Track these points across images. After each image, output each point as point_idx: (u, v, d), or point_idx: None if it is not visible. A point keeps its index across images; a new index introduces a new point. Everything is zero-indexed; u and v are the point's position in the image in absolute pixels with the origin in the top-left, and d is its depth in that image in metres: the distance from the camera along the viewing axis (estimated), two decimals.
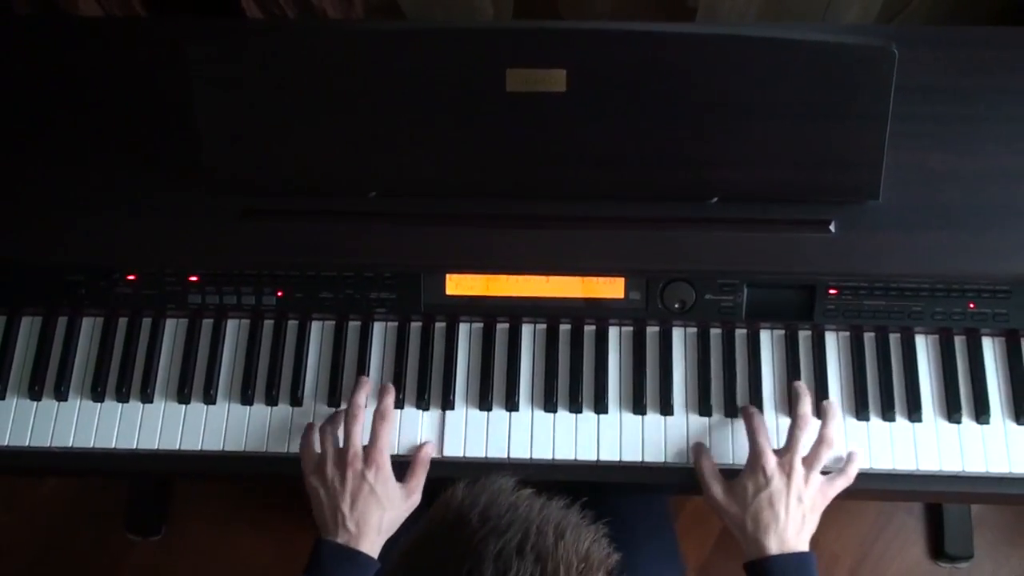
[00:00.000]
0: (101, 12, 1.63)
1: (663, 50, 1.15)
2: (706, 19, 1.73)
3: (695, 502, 1.96)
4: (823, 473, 1.18)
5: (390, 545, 1.18)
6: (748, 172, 1.21)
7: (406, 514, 1.20)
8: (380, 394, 1.25)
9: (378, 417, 1.22)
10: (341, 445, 1.20)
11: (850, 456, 1.21)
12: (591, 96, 1.17)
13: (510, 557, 0.78)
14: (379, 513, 1.16)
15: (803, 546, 1.13)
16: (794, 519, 1.13)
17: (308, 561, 1.14)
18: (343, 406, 1.27)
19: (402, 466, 1.23)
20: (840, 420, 1.22)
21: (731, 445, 1.24)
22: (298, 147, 1.24)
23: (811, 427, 1.19)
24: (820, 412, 1.23)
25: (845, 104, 1.17)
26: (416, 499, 1.21)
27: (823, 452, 1.17)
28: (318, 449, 1.21)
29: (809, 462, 1.16)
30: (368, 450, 1.19)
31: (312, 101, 1.21)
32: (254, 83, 1.20)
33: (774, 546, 1.12)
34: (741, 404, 1.26)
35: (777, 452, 1.17)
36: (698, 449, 1.23)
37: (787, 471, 1.15)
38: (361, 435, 1.21)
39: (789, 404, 1.25)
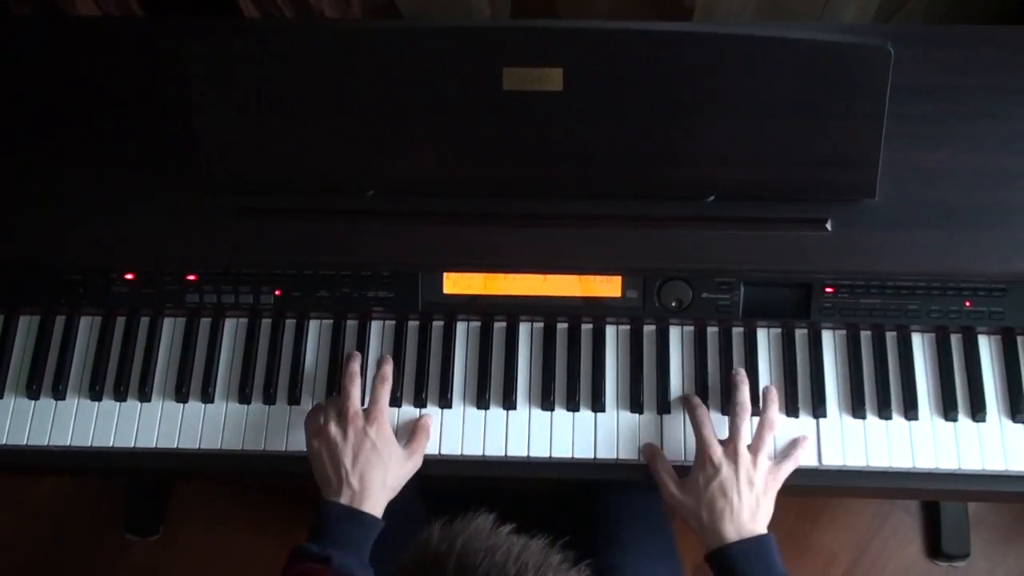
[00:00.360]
0: (98, 12, 1.64)
1: (659, 49, 1.15)
2: (703, 19, 1.73)
3: None
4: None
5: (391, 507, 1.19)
6: (744, 171, 1.22)
7: (409, 474, 1.21)
8: (379, 362, 1.27)
9: (378, 380, 1.24)
10: (340, 407, 1.21)
11: (796, 440, 1.23)
12: (588, 95, 1.17)
13: None
14: (381, 469, 1.17)
15: (760, 529, 1.14)
16: (748, 504, 1.14)
17: (312, 522, 1.14)
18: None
19: None
20: (778, 404, 1.23)
21: None
22: (295, 146, 1.24)
23: (749, 414, 1.21)
24: (761, 398, 1.24)
25: (841, 103, 1.17)
26: (418, 461, 1.22)
27: (766, 435, 1.19)
28: (319, 416, 1.22)
29: (755, 447, 1.18)
30: (368, 409, 1.21)
31: (309, 100, 1.21)
32: (251, 82, 1.20)
33: (731, 533, 1.12)
34: (686, 395, 1.27)
35: (722, 442, 1.19)
36: (650, 450, 1.23)
37: (733, 458, 1.16)
38: (359, 396, 1.23)
39: (786, 402, 1.26)
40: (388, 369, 1.26)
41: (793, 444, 1.23)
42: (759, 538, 1.13)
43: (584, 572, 0.83)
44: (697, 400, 1.24)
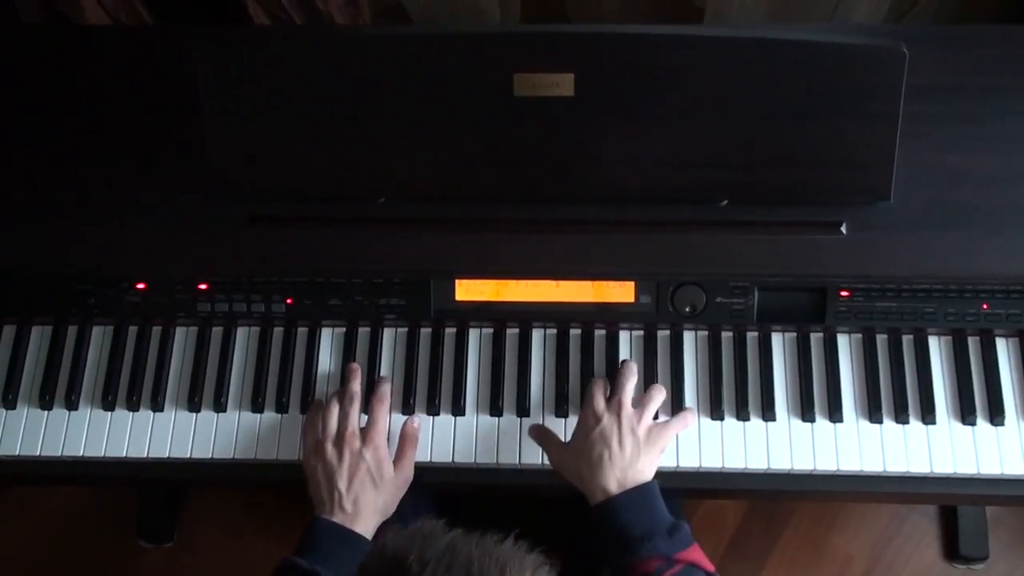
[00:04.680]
0: (108, 20, 1.63)
1: (672, 53, 1.15)
2: (714, 20, 1.72)
3: (707, 505, 1.95)
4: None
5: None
6: (758, 174, 1.21)
7: (402, 492, 1.21)
8: (376, 382, 1.27)
9: (376, 400, 1.24)
10: (339, 427, 1.21)
11: (683, 411, 1.23)
12: (599, 100, 1.17)
13: None
14: (375, 493, 1.17)
15: (643, 477, 1.14)
16: (629, 451, 1.14)
17: (302, 537, 1.15)
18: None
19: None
20: (664, 391, 1.23)
21: (743, 448, 1.24)
22: (305, 153, 1.24)
23: (635, 377, 1.22)
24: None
25: (856, 104, 1.16)
26: (408, 475, 1.22)
27: (655, 394, 1.21)
28: (319, 431, 1.22)
29: (640, 402, 1.19)
30: (365, 431, 1.21)
31: (319, 107, 1.21)
32: (260, 89, 1.20)
33: (613, 484, 1.12)
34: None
35: (607, 399, 1.20)
36: (536, 428, 1.24)
37: (616, 409, 1.17)
38: (358, 417, 1.22)
39: (801, 408, 1.25)
40: (386, 388, 1.26)
41: (679, 414, 1.23)
42: (641, 487, 1.13)
43: (540, 559, 0.84)
44: (601, 378, 1.25)
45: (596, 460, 1.13)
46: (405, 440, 1.24)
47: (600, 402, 1.18)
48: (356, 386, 1.25)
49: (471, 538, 0.83)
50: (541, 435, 1.23)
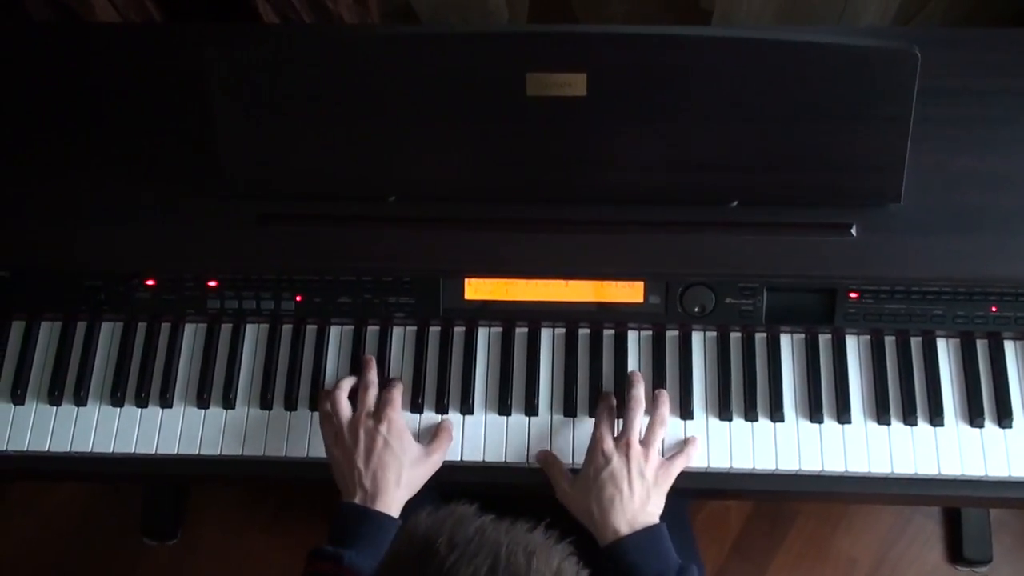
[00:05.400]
0: (118, 18, 1.64)
1: (684, 54, 1.15)
2: (722, 22, 1.72)
3: (712, 506, 1.95)
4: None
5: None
6: (769, 175, 1.21)
7: (427, 474, 1.22)
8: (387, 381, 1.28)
9: (388, 384, 1.25)
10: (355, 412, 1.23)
11: (689, 439, 1.24)
12: (611, 100, 1.17)
13: None
14: (395, 468, 1.18)
15: (652, 520, 1.15)
16: (639, 494, 1.15)
17: (330, 525, 1.16)
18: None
19: None
20: (668, 402, 1.24)
21: (751, 449, 1.24)
22: (316, 152, 1.24)
23: (643, 410, 1.22)
24: (653, 399, 1.24)
25: (867, 107, 1.16)
26: (437, 461, 1.23)
27: (657, 430, 1.21)
28: (333, 422, 1.23)
29: (646, 441, 1.19)
30: (378, 409, 1.22)
31: (330, 106, 1.21)
32: (271, 88, 1.20)
33: (623, 525, 1.13)
34: (605, 390, 1.27)
35: (615, 437, 1.20)
36: (543, 455, 1.24)
37: (625, 450, 1.17)
38: (373, 400, 1.23)
39: (810, 409, 1.25)
40: (398, 380, 1.27)
41: (685, 442, 1.24)
42: (650, 529, 1.14)
43: (568, 549, 0.84)
44: (608, 395, 1.25)
45: (608, 503, 1.14)
46: (441, 431, 1.25)
47: (608, 441, 1.18)
48: (372, 375, 1.26)
49: (501, 525, 0.83)
50: (547, 464, 1.23)
